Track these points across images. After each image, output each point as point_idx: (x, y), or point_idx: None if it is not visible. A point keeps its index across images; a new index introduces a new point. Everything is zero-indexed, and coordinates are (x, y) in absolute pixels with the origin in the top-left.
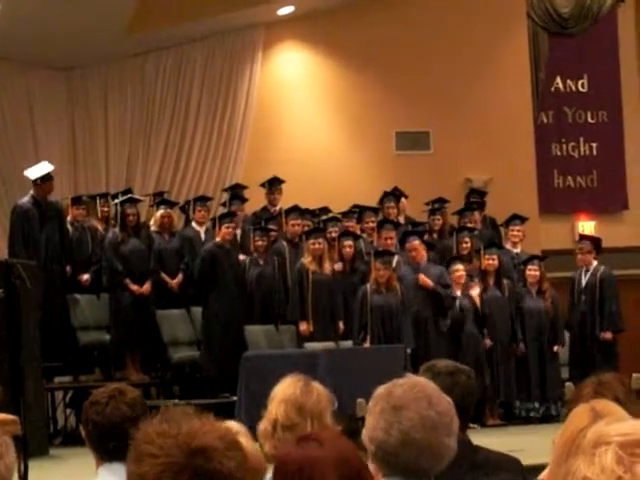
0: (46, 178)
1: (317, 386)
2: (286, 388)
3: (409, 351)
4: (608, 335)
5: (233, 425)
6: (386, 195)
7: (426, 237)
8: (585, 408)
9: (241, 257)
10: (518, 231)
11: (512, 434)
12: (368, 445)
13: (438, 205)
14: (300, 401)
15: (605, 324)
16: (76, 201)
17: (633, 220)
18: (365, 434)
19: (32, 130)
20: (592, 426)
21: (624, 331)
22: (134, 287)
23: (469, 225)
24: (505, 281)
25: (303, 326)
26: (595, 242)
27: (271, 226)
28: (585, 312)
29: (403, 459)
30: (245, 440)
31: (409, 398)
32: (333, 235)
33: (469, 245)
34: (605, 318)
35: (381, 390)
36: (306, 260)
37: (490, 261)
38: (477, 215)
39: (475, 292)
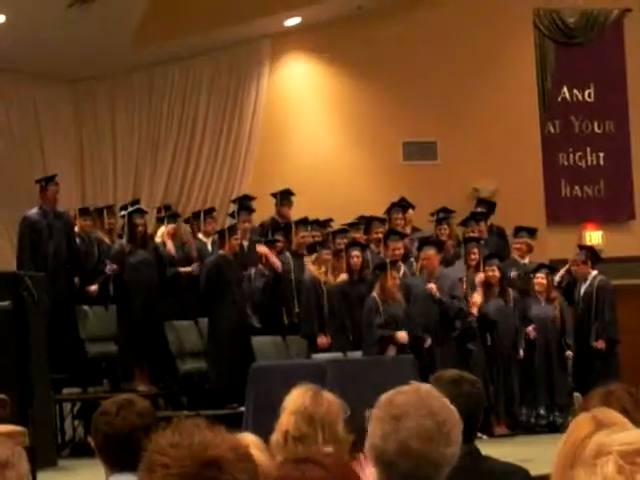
0: (49, 179)
1: (327, 395)
2: (296, 399)
3: None
4: (601, 344)
5: (248, 437)
6: (393, 206)
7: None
8: (586, 417)
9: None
10: (522, 243)
11: (521, 444)
12: (369, 452)
13: (443, 215)
14: (310, 411)
15: (599, 333)
16: (83, 212)
17: None
18: (367, 440)
19: (39, 142)
20: (593, 435)
21: (619, 341)
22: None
23: (473, 235)
24: (510, 290)
25: (322, 339)
26: (590, 252)
27: (277, 237)
28: (582, 321)
29: (402, 468)
30: (258, 452)
31: (409, 407)
32: (342, 246)
33: (477, 256)
34: (599, 327)
35: (383, 398)
36: (317, 271)
37: (490, 272)
38: (483, 225)
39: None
